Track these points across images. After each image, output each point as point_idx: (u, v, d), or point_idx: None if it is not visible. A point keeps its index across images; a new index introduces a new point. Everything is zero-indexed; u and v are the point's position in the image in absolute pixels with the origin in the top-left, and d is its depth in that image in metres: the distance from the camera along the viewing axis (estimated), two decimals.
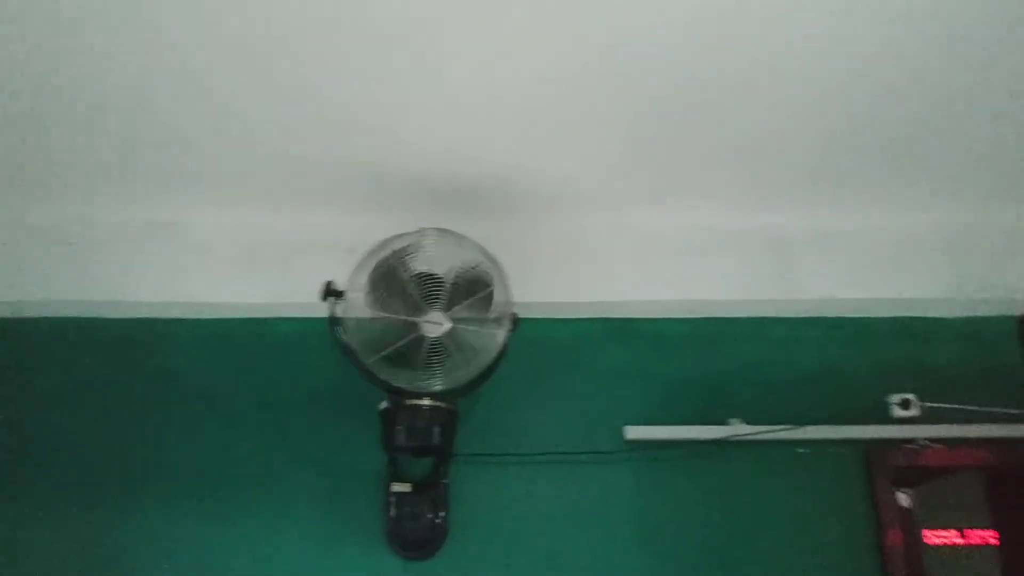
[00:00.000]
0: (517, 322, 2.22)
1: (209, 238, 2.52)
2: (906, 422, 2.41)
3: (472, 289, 2.17)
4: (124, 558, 2.29)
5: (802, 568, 2.31)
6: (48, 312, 2.52)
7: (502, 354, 2.21)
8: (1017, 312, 2.59)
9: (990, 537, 3.92)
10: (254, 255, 2.51)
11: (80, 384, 2.48)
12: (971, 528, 4.25)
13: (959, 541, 4.28)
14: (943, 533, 4.26)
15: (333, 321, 2.19)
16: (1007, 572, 3.23)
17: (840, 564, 2.32)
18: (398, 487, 2.30)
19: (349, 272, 2.15)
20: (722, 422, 2.42)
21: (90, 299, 2.46)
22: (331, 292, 2.15)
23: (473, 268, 2.17)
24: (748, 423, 2.40)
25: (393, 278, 2.14)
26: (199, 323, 2.53)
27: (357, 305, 2.13)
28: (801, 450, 2.42)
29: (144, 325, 2.53)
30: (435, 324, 2.13)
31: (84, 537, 2.31)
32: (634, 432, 2.40)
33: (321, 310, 2.20)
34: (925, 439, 2.40)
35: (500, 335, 2.18)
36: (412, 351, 2.12)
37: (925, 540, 3.42)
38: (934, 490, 3.16)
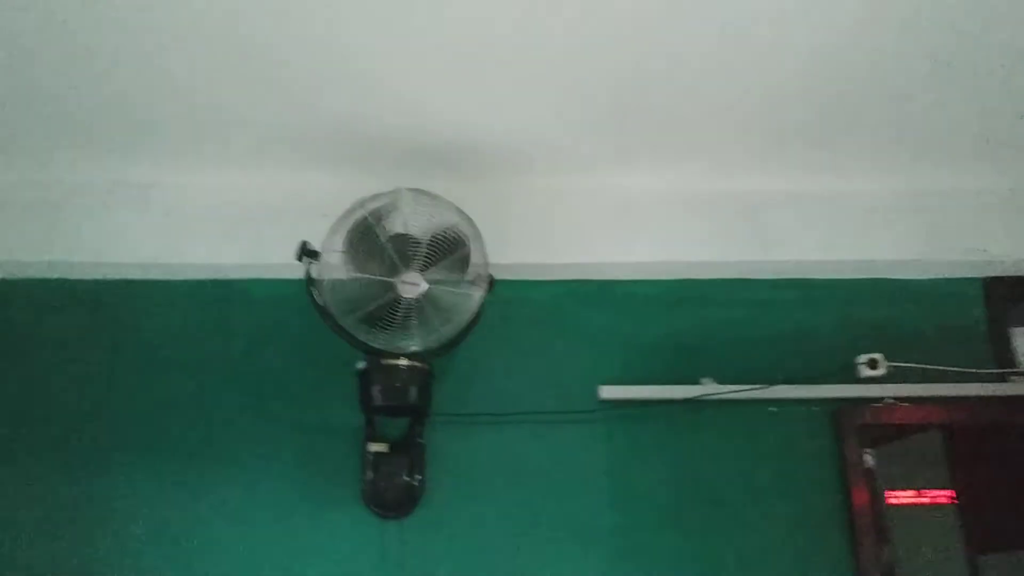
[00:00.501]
0: (493, 283, 2.23)
1: (180, 199, 2.49)
2: (873, 381, 2.44)
3: (448, 250, 2.17)
4: (97, 521, 2.29)
5: (771, 525, 2.36)
6: (14, 273, 2.49)
7: (478, 315, 2.22)
8: (984, 275, 2.64)
9: (946, 496, 4.02)
10: (227, 217, 2.48)
11: (49, 347, 2.45)
12: (928, 488, 4.34)
13: (917, 500, 4.37)
14: (901, 493, 4.35)
15: (309, 282, 2.18)
16: (967, 528, 3.33)
17: (808, 521, 2.37)
18: (375, 447, 2.31)
19: (324, 233, 2.13)
20: (695, 382, 2.44)
21: (58, 260, 2.42)
22: (306, 252, 2.14)
23: (449, 229, 2.17)
24: (720, 383, 2.43)
25: (369, 239, 2.13)
26: (172, 284, 2.51)
27: (333, 266, 2.12)
28: (772, 409, 2.46)
29: (115, 287, 2.50)
30: (411, 285, 2.12)
31: (56, 501, 2.31)
32: (608, 392, 2.42)
33: (297, 271, 2.20)
34: (891, 398, 2.45)
35: (476, 296, 2.18)
36: (388, 312, 2.12)
37: (886, 500, 3.50)
38: (893, 450, 3.23)
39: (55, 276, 2.49)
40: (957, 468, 3.49)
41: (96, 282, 2.50)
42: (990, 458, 3.28)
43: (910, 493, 4.38)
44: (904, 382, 2.45)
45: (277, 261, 2.33)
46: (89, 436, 2.36)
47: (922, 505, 4.37)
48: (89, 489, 2.31)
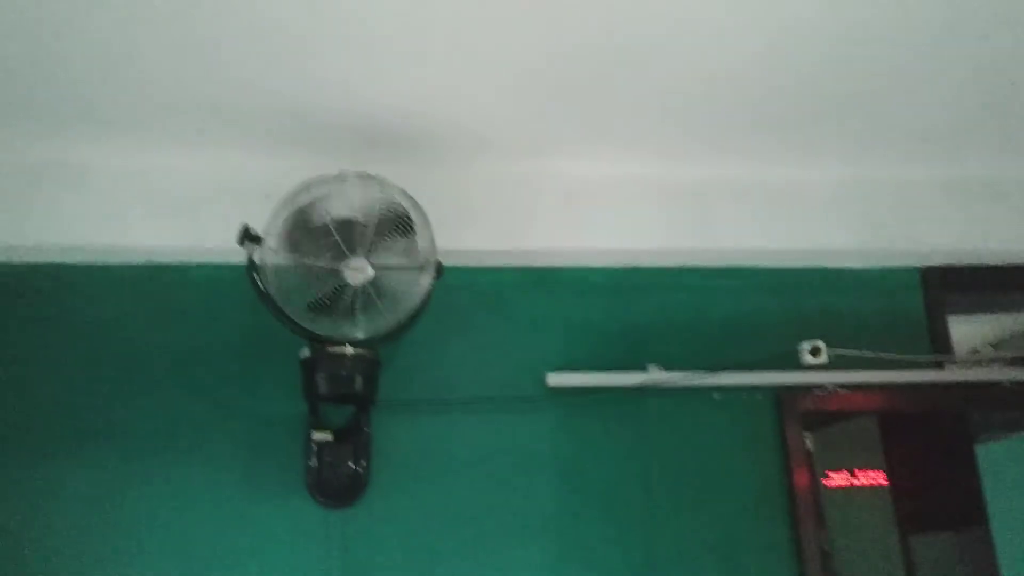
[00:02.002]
0: (441, 269, 2.19)
1: (117, 181, 2.41)
2: (815, 368, 2.47)
3: (396, 235, 2.13)
4: (38, 513, 2.22)
5: (716, 509, 2.38)
6: None
7: (426, 301, 2.19)
8: (921, 264, 2.69)
9: (879, 478, 4.12)
10: (167, 198, 2.41)
11: None
12: (862, 469, 4.44)
13: (850, 482, 4.47)
14: (835, 475, 4.44)
15: (251, 267, 2.12)
16: (899, 510, 3.42)
17: (752, 505, 2.39)
18: (319, 436, 2.27)
19: (267, 217, 2.08)
20: (641, 369, 2.45)
21: None
22: (248, 237, 2.08)
23: (396, 214, 2.12)
24: (666, 369, 2.44)
25: (313, 223, 2.08)
26: (109, 269, 2.43)
27: (276, 251, 2.06)
28: (716, 395, 2.48)
29: (46, 271, 2.41)
30: (357, 271, 2.08)
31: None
32: (555, 379, 2.42)
33: (239, 256, 2.13)
34: (833, 384, 2.49)
35: (424, 282, 2.15)
36: (334, 298, 2.08)
37: (822, 483, 3.57)
38: (830, 434, 3.30)
39: None
40: (891, 452, 3.60)
41: (28, 267, 2.41)
42: (924, 443, 3.38)
43: (845, 476, 4.48)
44: (845, 368, 2.49)
45: (218, 245, 2.28)
46: (23, 430, 2.28)
47: (856, 487, 4.48)
48: (24, 485, 2.24)
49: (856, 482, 4.46)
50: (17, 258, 2.40)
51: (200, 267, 2.45)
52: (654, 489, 2.38)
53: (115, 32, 1.93)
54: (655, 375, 2.44)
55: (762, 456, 2.44)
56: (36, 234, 2.34)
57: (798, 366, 2.49)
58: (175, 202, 2.41)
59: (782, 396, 2.49)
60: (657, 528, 2.35)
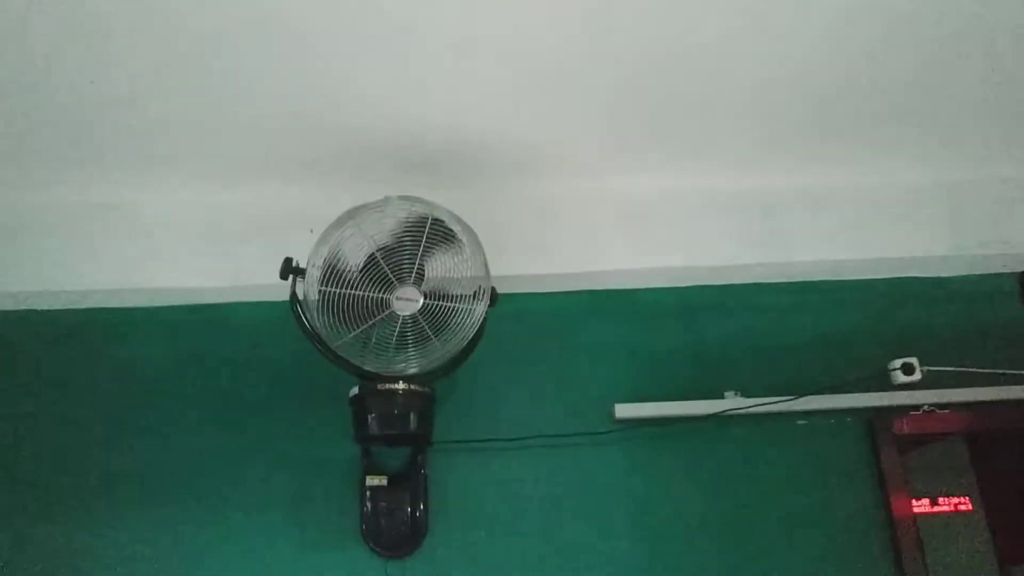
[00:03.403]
0: (495, 297, 2.05)
1: (153, 219, 2.34)
2: (909, 387, 2.29)
3: (445, 262, 1.99)
4: (80, 568, 2.10)
5: (808, 545, 2.19)
6: None
7: (480, 332, 2.05)
8: (1017, 268, 2.49)
9: (965, 503, 3.87)
10: (209, 236, 2.33)
11: (22, 383, 2.28)
12: (950, 495, 4.20)
13: (935, 509, 4.23)
14: (921, 502, 4.22)
15: (295, 302, 2.00)
16: (996, 535, 3.16)
17: (847, 539, 2.20)
18: (373, 480, 2.14)
19: (310, 248, 1.95)
20: (717, 396, 2.29)
21: (30, 290, 2.26)
22: (291, 270, 1.96)
23: (445, 239, 1.98)
24: (745, 396, 2.28)
25: (358, 252, 1.95)
26: (152, 311, 2.35)
27: (320, 283, 1.93)
28: (801, 422, 2.30)
29: (92, 316, 2.34)
30: (406, 301, 1.94)
31: (32, 547, 2.12)
32: (624, 410, 2.26)
33: (283, 292, 2.01)
34: (930, 405, 2.28)
35: (477, 311, 2.01)
36: (382, 331, 1.95)
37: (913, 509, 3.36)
38: (913, 458, 3.08)
39: (18, 308, 2.32)
40: (983, 475, 3.34)
41: (64, 312, 2.33)
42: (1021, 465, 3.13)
43: (927, 503, 4.23)
44: (940, 386, 2.29)
45: (260, 282, 2.19)
46: (66, 480, 2.18)
47: (943, 513, 4.22)
48: (66, 537, 2.13)
49: (941, 508, 4.22)
50: (55, 304, 2.33)
51: (243, 305, 2.35)
52: (738, 527, 2.20)
53: (143, 65, 1.85)
54: (733, 403, 2.27)
55: (856, 485, 2.25)
56: (73, 278, 2.27)
57: (890, 386, 2.31)
58: (216, 239, 2.32)
59: (875, 419, 2.30)
60: (744, 570, 2.16)
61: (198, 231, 2.33)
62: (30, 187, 2.27)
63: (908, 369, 2.28)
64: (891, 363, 2.31)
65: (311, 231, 1.98)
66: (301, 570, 2.11)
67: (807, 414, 2.29)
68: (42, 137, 2.08)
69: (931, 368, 2.29)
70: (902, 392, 2.29)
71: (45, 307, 2.33)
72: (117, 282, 2.27)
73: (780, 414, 2.27)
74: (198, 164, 2.24)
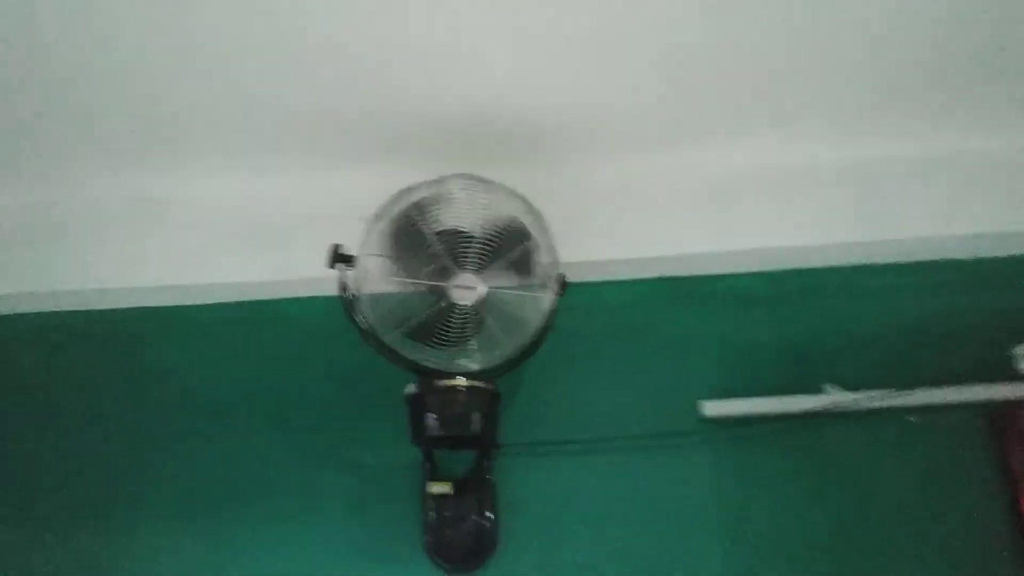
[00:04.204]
0: (565, 285, 1.87)
1: (200, 212, 2.23)
2: None
3: (509, 247, 1.83)
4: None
5: (925, 557, 1.96)
6: (18, 307, 2.24)
7: (549, 323, 1.87)
8: None
9: None
10: (253, 228, 2.20)
11: (60, 387, 2.19)
12: None
13: None
14: None
15: (344, 293, 1.85)
16: None
17: (970, 548, 1.96)
18: (435, 488, 1.98)
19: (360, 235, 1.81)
20: (815, 391, 2.07)
21: (66, 289, 2.18)
22: (339, 258, 1.81)
23: (510, 221, 1.83)
24: (847, 390, 2.05)
25: (414, 237, 1.80)
26: (195, 309, 2.24)
27: (372, 272, 1.79)
28: (912, 418, 2.07)
29: (132, 315, 2.24)
30: (467, 289, 1.79)
31: (71, 560, 2.02)
32: (712, 408, 2.07)
33: (334, 285, 1.87)
34: None
35: (545, 300, 1.84)
36: (441, 323, 1.79)
37: None
38: None
39: (62, 308, 2.24)
40: None
41: (110, 312, 2.24)
42: None
43: None
44: None
45: (313, 275, 1.99)
46: (108, 487, 2.08)
47: None
48: (108, 551, 2.02)
49: None
50: (94, 304, 2.24)
51: (293, 301, 2.23)
52: (845, 539, 1.98)
53: (188, 46, 1.75)
54: (834, 397, 2.05)
55: (977, 488, 2.01)
56: (113, 277, 2.18)
57: (1013, 376, 2.04)
58: (259, 232, 2.20)
59: (995, 414, 2.05)
60: None
61: (240, 224, 2.22)
62: (58, 183, 2.19)
63: None
64: (1014, 349, 2.05)
65: (360, 218, 1.84)
66: None
67: (918, 409, 2.06)
68: (67, 129, 1.98)
69: None
70: None
71: (77, 307, 2.25)
72: (153, 279, 2.18)
73: (888, 410, 2.04)
74: (237, 154, 2.12)
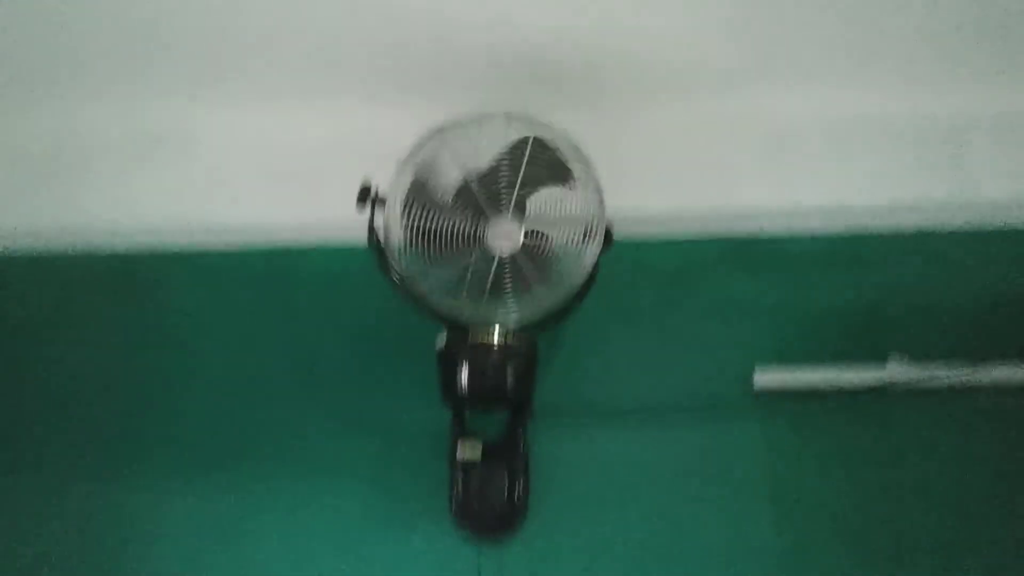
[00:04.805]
0: (611, 239, 1.73)
1: (222, 147, 2.08)
2: None
3: (552, 192, 1.67)
4: (127, 538, 1.87)
5: (993, 550, 1.81)
6: (24, 246, 2.13)
7: (592, 278, 1.73)
8: None
9: None
10: (280, 166, 2.07)
11: (68, 332, 2.07)
12: None
13: None
14: None
15: (372, 236, 1.72)
16: None
17: None
18: (464, 451, 1.85)
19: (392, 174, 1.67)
20: (880, 363, 1.93)
21: (75, 226, 2.07)
22: (369, 197, 1.68)
23: (553, 164, 1.67)
24: (915, 363, 1.91)
25: (448, 177, 1.65)
26: (213, 255, 2.11)
27: (402, 214, 1.65)
28: (986, 396, 1.91)
29: (145, 258, 2.12)
30: (504, 237, 1.64)
31: (81, 515, 1.90)
32: (765, 379, 1.93)
33: (363, 232, 1.74)
34: None
35: (590, 252, 1.68)
36: (475, 273, 1.65)
37: None
38: None
39: (72, 248, 2.12)
40: None
41: (123, 256, 2.12)
42: None
43: None
44: None
45: (342, 220, 1.86)
46: (115, 442, 1.96)
47: None
48: (116, 506, 1.91)
49: None
50: (108, 245, 2.12)
51: (320, 250, 2.10)
52: (904, 525, 1.83)
53: None
54: (900, 370, 1.90)
55: None
56: (129, 216, 2.07)
57: None
58: (286, 171, 2.07)
59: None
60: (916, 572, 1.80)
61: (264, 161, 2.08)
62: (63, 110, 2.05)
63: None
64: None
65: (399, 160, 1.71)
66: (380, 552, 1.85)
67: (993, 387, 1.91)
68: (74, 49, 1.87)
69: None
70: None
71: (83, 247, 2.13)
72: (169, 220, 2.07)
73: (959, 386, 1.90)
74: (262, 84, 1.99)
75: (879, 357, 1.93)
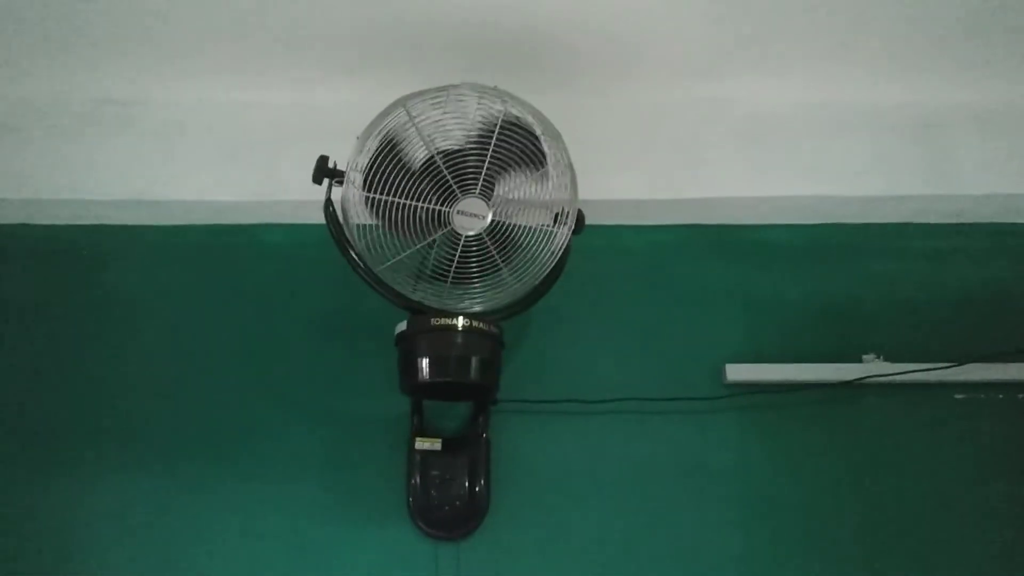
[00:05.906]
0: (582, 223, 1.67)
1: (177, 120, 2.01)
2: None
3: (522, 171, 1.60)
4: (75, 534, 1.78)
5: (965, 546, 1.79)
6: None
7: (561, 265, 1.67)
8: None
9: None
10: (236, 142, 1.99)
11: (10, 311, 1.96)
12: None
13: None
14: None
15: (330, 214, 1.63)
16: None
17: (1015, 538, 1.79)
18: (423, 444, 1.78)
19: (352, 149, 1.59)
20: (853, 359, 1.90)
21: (20, 198, 1.95)
22: (327, 172, 1.59)
23: (524, 142, 1.59)
24: (888, 360, 1.89)
25: (411, 153, 1.57)
26: (165, 230, 2.03)
27: (363, 192, 1.56)
28: (959, 395, 1.90)
29: (94, 233, 2.02)
30: (471, 216, 1.57)
31: (17, 503, 1.81)
32: (737, 372, 1.90)
33: (320, 210, 1.67)
34: None
35: (559, 237, 1.63)
36: (441, 255, 1.59)
37: None
38: None
39: (16, 220, 2.02)
40: None
41: (68, 228, 2.03)
42: None
43: None
44: None
45: (297, 197, 1.84)
46: (59, 430, 1.87)
47: None
48: (57, 488, 1.81)
49: None
50: (46, 217, 2.03)
51: (274, 227, 2.02)
52: (877, 520, 1.81)
53: None
54: (873, 367, 1.88)
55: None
56: (76, 188, 1.96)
57: None
58: (244, 147, 1.98)
59: None
60: (885, 572, 1.77)
61: (222, 136, 1.99)
62: (16, 78, 1.96)
63: None
64: None
65: (358, 137, 1.62)
66: (333, 550, 1.77)
67: (966, 386, 1.90)
68: (31, 16, 1.77)
69: None
70: None
71: (44, 221, 2.03)
72: (119, 193, 1.95)
73: (932, 384, 1.88)
74: (220, 58, 1.91)
75: (853, 351, 1.91)
